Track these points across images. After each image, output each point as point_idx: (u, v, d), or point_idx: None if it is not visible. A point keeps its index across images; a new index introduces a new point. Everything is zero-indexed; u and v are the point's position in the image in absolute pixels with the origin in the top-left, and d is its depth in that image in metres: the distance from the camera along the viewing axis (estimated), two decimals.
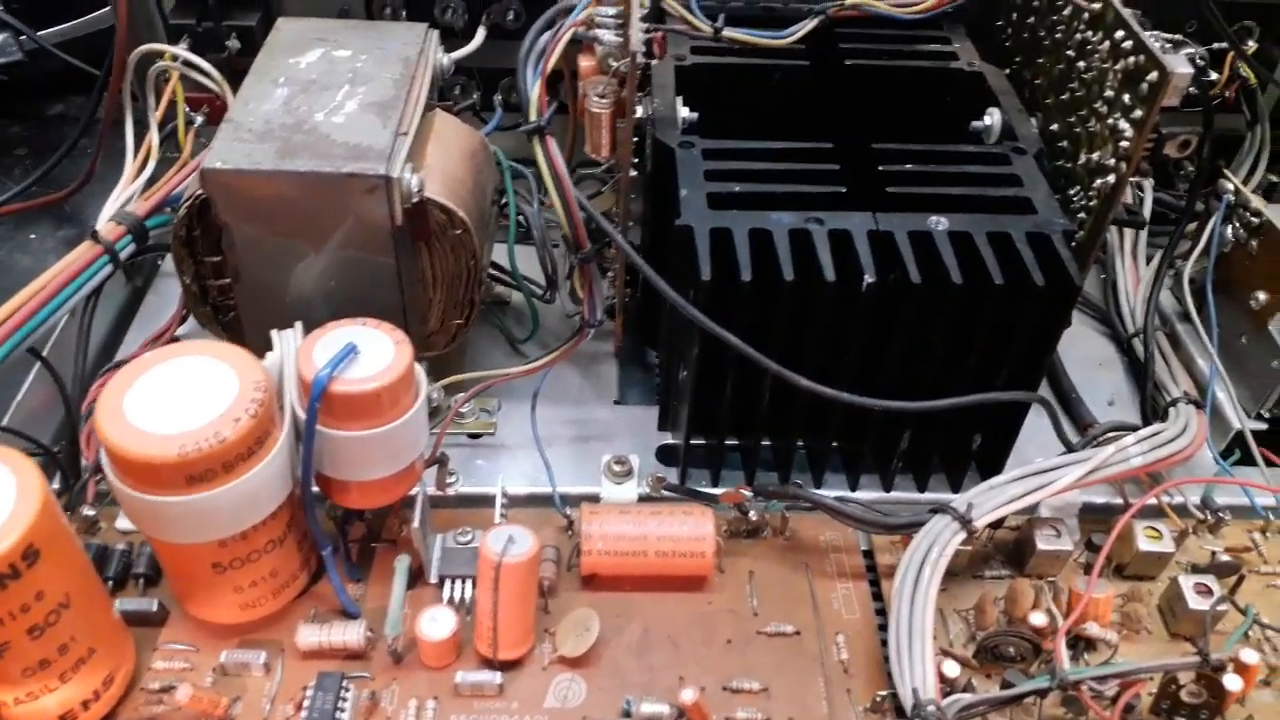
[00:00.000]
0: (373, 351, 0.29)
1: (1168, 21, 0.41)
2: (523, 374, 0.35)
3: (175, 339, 0.40)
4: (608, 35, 0.30)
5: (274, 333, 0.31)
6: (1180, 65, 0.30)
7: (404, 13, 0.42)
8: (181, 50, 0.38)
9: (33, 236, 0.49)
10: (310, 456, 0.29)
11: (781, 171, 0.34)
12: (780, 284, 0.30)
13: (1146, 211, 0.43)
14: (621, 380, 0.41)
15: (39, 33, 0.53)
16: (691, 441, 0.35)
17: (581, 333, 0.34)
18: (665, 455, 0.37)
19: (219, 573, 0.29)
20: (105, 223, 0.35)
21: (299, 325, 0.31)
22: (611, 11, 0.31)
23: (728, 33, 0.33)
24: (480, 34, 0.42)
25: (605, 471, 0.36)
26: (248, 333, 0.34)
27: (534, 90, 0.29)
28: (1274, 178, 0.46)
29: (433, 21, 0.42)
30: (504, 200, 0.39)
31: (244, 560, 0.29)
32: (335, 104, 0.32)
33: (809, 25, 0.34)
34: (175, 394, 0.28)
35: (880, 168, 0.34)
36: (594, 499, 0.35)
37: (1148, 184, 0.43)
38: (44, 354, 0.34)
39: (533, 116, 0.30)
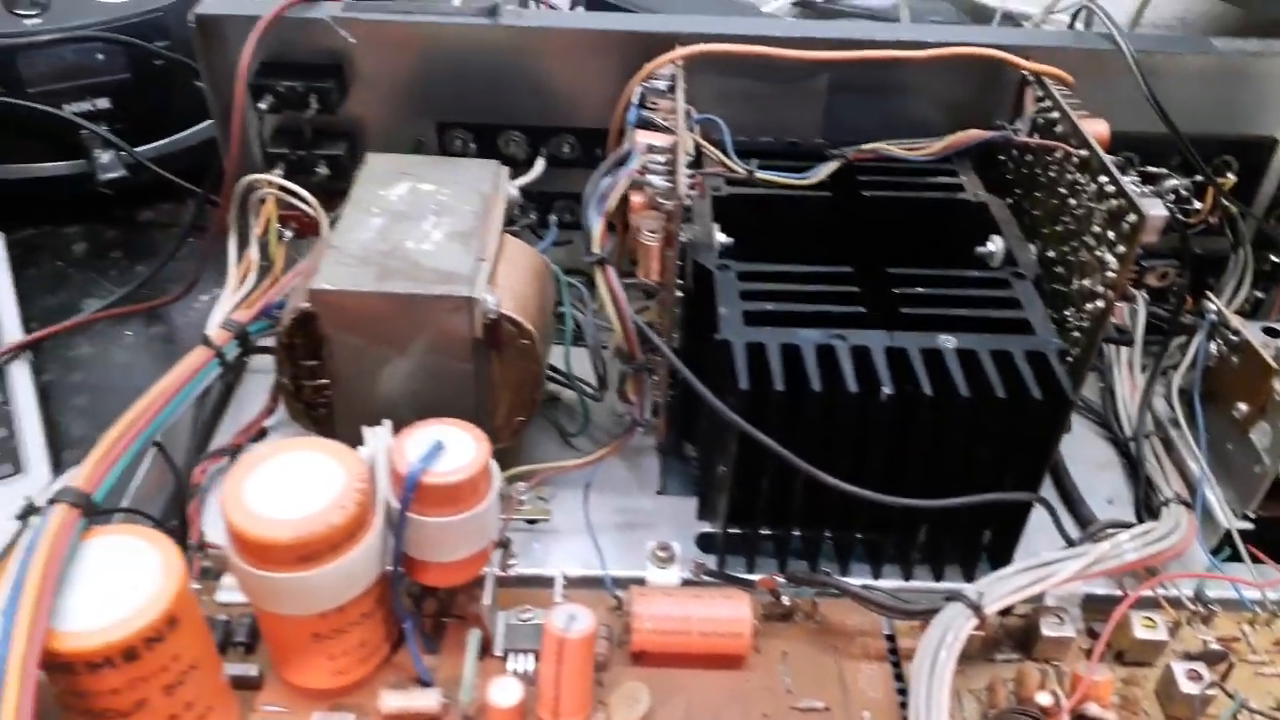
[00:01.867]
0: (456, 447, 0.34)
1: (1157, 156, 0.47)
2: (578, 467, 0.40)
3: (264, 429, 0.45)
4: (658, 180, 0.35)
5: (366, 429, 0.36)
6: (1155, 208, 0.35)
7: (473, 145, 0.47)
8: (279, 178, 0.44)
9: (128, 334, 0.54)
10: (401, 540, 0.33)
11: (808, 293, 0.38)
12: (809, 393, 0.34)
13: (1140, 325, 0.47)
14: (662, 472, 0.45)
15: (137, 148, 0.59)
16: (729, 531, 0.39)
17: (631, 430, 0.39)
18: (704, 542, 0.41)
19: (316, 642, 0.33)
20: (215, 329, 0.40)
21: (388, 423, 0.36)
22: (661, 159, 0.37)
23: (759, 174, 0.38)
24: (540, 164, 0.47)
25: (650, 557, 0.40)
26: (340, 428, 0.39)
27: (596, 227, 0.35)
28: (1260, 294, 0.51)
29: (497, 151, 0.48)
30: (560, 309, 0.44)
31: (339, 631, 0.34)
32: (424, 233, 0.38)
33: (831, 167, 0.39)
34: (288, 483, 0.32)
35: (895, 290, 0.39)
36: (640, 582, 0.39)
37: (1141, 300, 0.47)
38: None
39: (595, 249, 0.35)
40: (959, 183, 0.45)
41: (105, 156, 0.57)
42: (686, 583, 0.39)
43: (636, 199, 0.37)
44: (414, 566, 0.35)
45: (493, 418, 0.40)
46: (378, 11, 0.44)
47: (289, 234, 0.47)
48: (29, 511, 0.30)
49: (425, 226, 0.38)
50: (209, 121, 0.62)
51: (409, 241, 0.37)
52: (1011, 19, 0.81)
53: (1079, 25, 0.50)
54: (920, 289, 0.39)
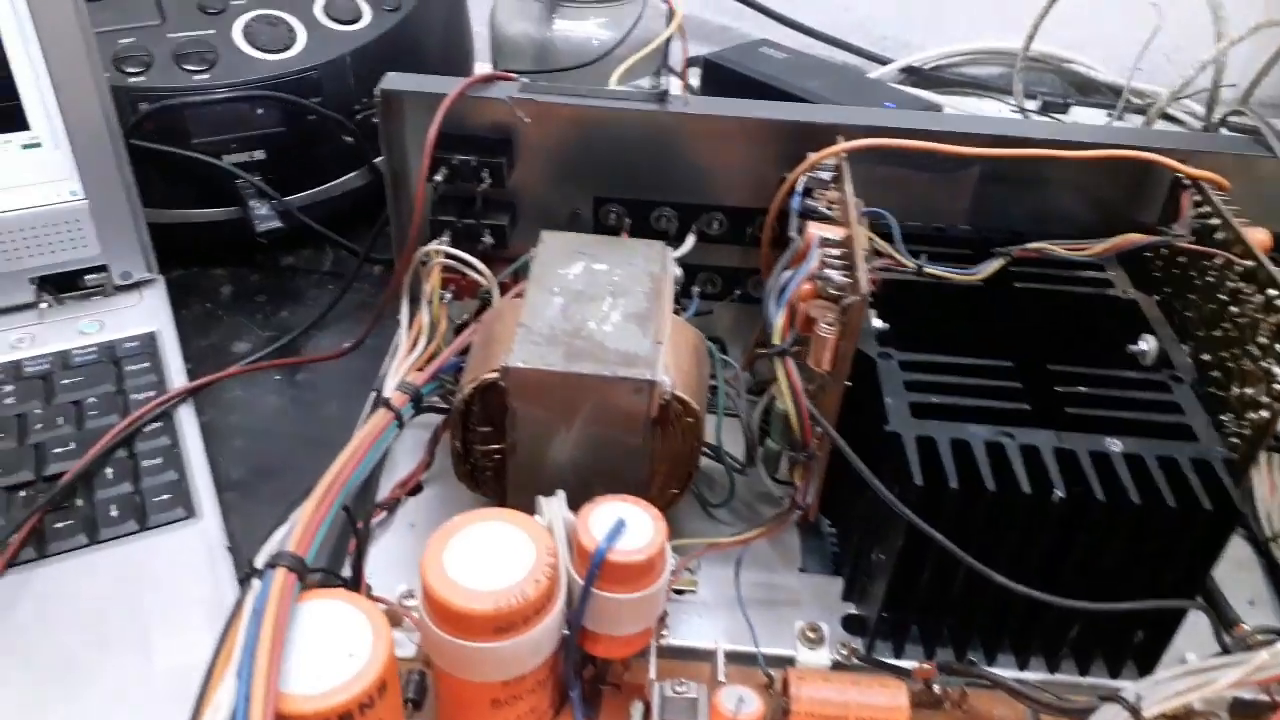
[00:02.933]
0: (635, 525, 0.35)
1: None
2: (736, 544, 0.41)
3: (420, 485, 0.47)
4: (836, 275, 0.37)
5: (541, 500, 0.38)
6: None
7: (627, 219, 0.49)
8: (449, 247, 0.46)
9: (277, 377, 0.56)
10: (583, 615, 0.34)
11: (971, 386, 0.39)
12: (982, 492, 0.35)
13: None
14: (803, 549, 0.46)
15: (286, 197, 0.62)
16: (881, 616, 0.40)
17: (790, 513, 0.40)
18: (850, 624, 0.42)
19: (495, 708, 0.35)
20: (392, 391, 0.42)
21: (562, 495, 0.38)
22: (835, 253, 0.38)
23: (929, 269, 0.39)
24: (690, 240, 0.49)
25: (800, 637, 0.41)
26: (511, 492, 0.41)
27: (778, 320, 0.36)
28: None
29: (649, 225, 0.50)
30: (713, 383, 0.45)
31: (515, 697, 0.35)
32: (603, 314, 0.39)
33: (996, 265, 0.40)
34: (483, 554, 0.34)
35: (1057, 388, 0.40)
36: (789, 661, 0.40)
37: None
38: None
39: (775, 341, 0.36)
40: (1108, 278, 0.46)
41: (262, 208, 0.59)
42: (836, 665, 0.40)
43: (806, 287, 0.39)
44: (587, 638, 0.36)
45: (649, 489, 0.41)
46: (554, 94, 0.46)
47: (449, 296, 0.49)
48: (250, 574, 0.32)
49: (604, 307, 0.40)
50: (353, 173, 0.66)
51: (590, 322, 0.39)
52: (1136, 100, 0.82)
53: (1195, 106, 0.51)
54: (1082, 388, 0.40)
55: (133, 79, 0.58)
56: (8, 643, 0.39)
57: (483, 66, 0.75)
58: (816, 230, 0.39)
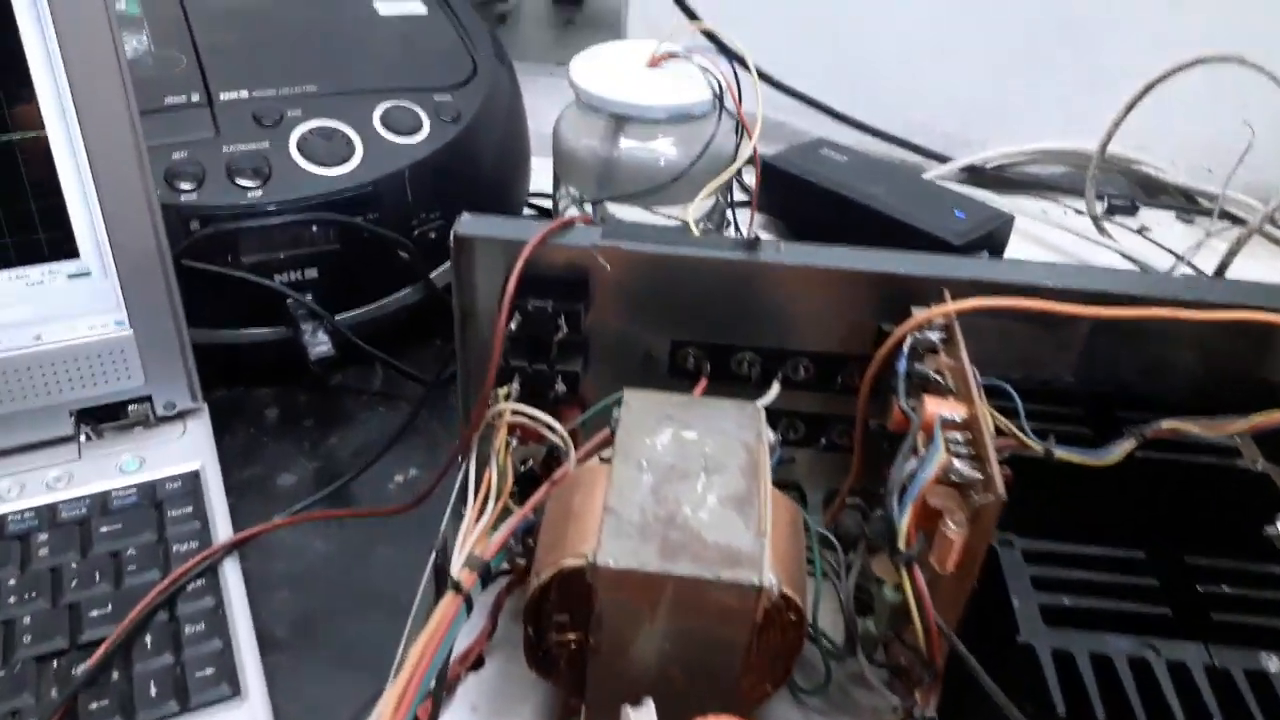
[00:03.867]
0: None
1: None
2: None
3: (481, 658, 0.43)
4: (965, 469, 0.33)
5: (629, 709, 0.34)
6: None
7: (706, 364, 0.46)
8: (518, 404, 0.43)
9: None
10: None
11: (1104, 584, 0.36)
12: None
13: None
14: None
15: (337, 316, 0.59)
16: None
17: None
18: None
19: None
20: (460, 570, 0.39)
21: (650, 703, 0.34)
22: (960, 437, 0.35)
23: (1060, 454, 0.36)
24: (776, 388, 0.46)
25: None
26: (591, 692, 0.37)
27: (903, 522, 0.32)
28: None
29: (729, 369, 0.47)
30: (810, 557, 0.41)
31: None
32: (698, 496, 0.36)
33: (1127, 447, 0.37)
34: None
35: (1199, 588, 0.36)
36: None
37: None
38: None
39: (901, 546, 0.33)
40: (1234, 446, 0.42)
41: (314, 331, 0.56)
42: None
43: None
44: None
45: (740, 687, 0.38)
46: (640, 241, 0.43)
47: (514, 442, 0.46)
48: None
49: (698, 487, 0.36)
50: (407, 289, 0.63)
51: (685, 507, 0.35)
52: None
53: None
54: (1225, 587, 0.36)
55: (184, 196, 0.56)
56: None
57: (539, 166, 0.73)
58: (936, 409, 0.35)
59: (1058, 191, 0.89)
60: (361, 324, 0.61)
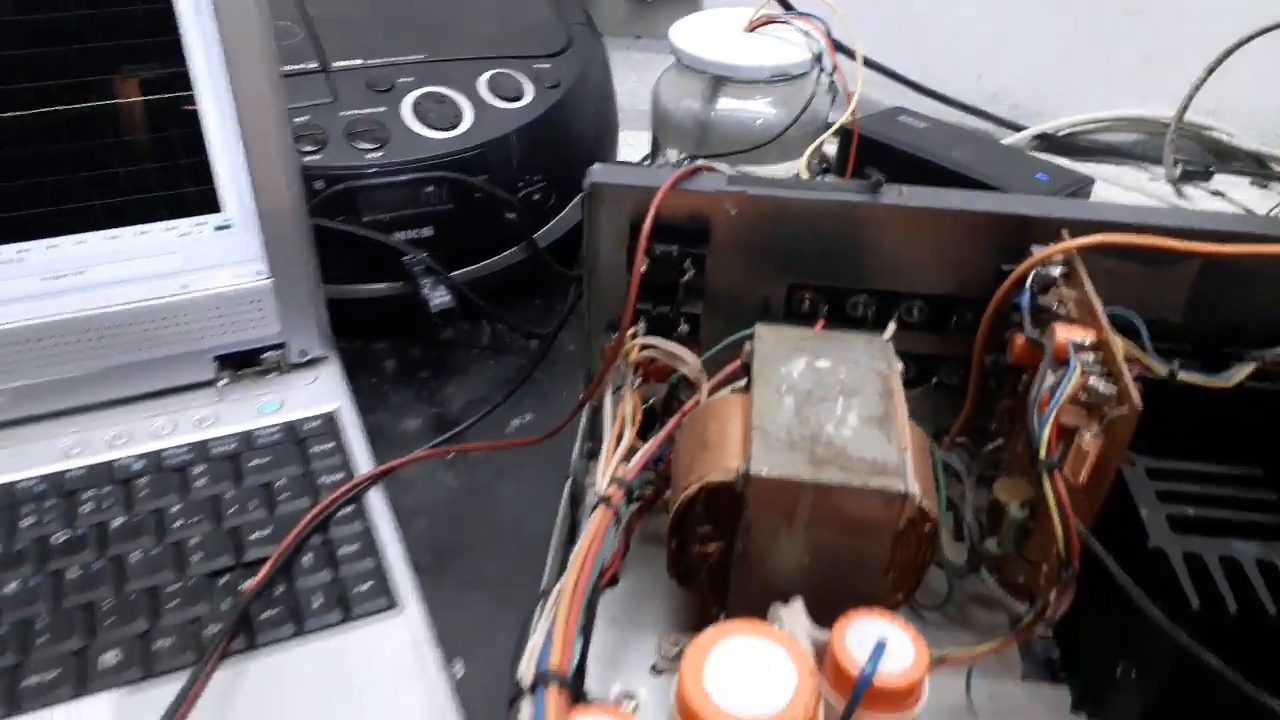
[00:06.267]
0: (895, 646, 0.34)
1: None
2: (993, 651, 0.39)
3: (616, 577, 0.46)
4: (1101, 386, 0.35)
5: (780, 609, 0.36)
6: None
7: (823, 306, 0.48)
8: (652, 339, 0.45)
9: (449, 456, 0.56)
10: None
11: (1225, 497, 0.38)
12: (1261, 617, 0.33)
13: None
14: (1021, 656, 0.44)
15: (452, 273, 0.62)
16: None
17: (1038, 623, 0.38)
18: None
19: None
20: (608, 487, 0.41)
21: (800, 602, 0.37)
22: (1092, 358, 0.37)
23: (1182, 376, 0.38)
24: (891, 327, 0.48)
25: None
26: (733, 597, 0.40)
27: (1046, 433, 0.35)
28: None
29: (844, 313, 0.49)
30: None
31: None
32: (838, 416, 0.38)
33: (1247, 369, 0.39)
34: (741, 672, 0.32)
35: None
36: None
37: None
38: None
39: (1042, 455, 0.35)
40: None
41: (433, 286, 0.59)
42: None
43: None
44: None
45: (875, 595, 0.40)
46: (766, 187, 0.45)
47: (638, 381, 0.48)
48: (517, 694, 0.31)
49: (838, 409, 0.39)
50: (513, 249, 0.66)
51: (828, 426, 0.38)
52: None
53: None
54: None
55: (308, 157, 0.59)
56: None
57: (629, 138, 0.76)
58: (1067, 335, 0.37)
59: (1129, 158, 0.90)
60: (470, 282, 0.64)
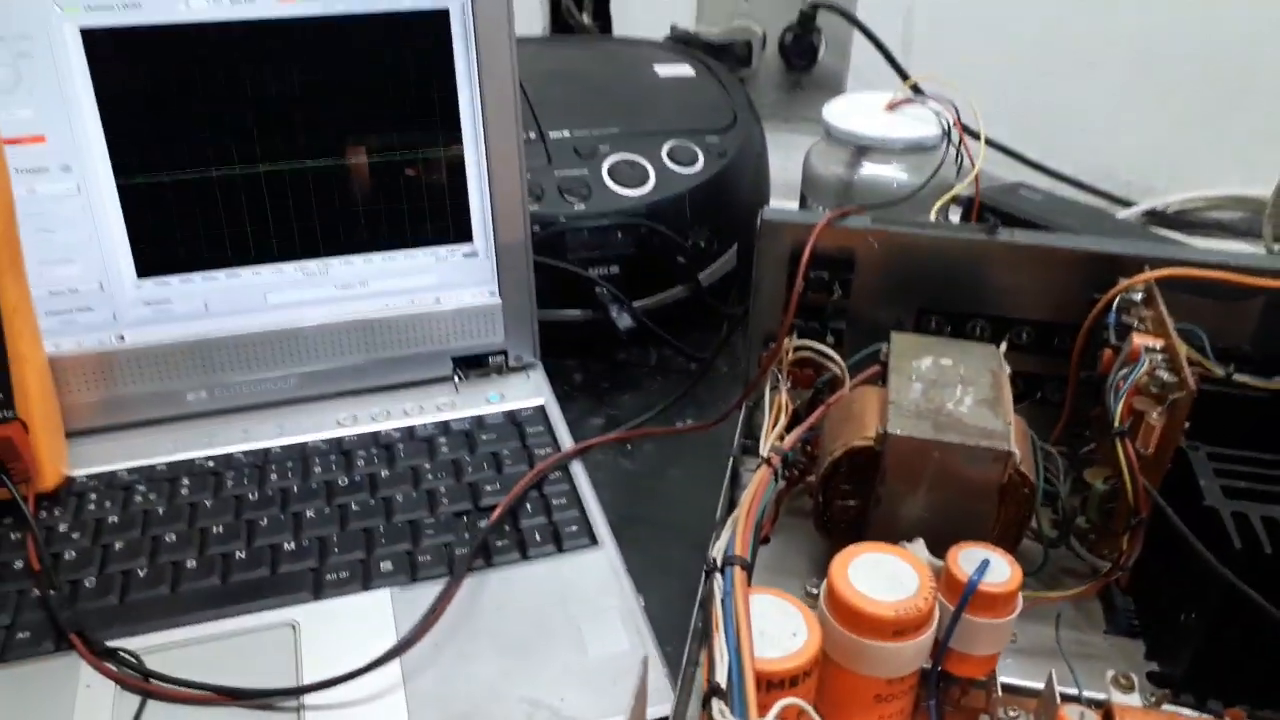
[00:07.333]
0: (995, 565, 0.44)
1: None
2: (1073, 596, 0.49)
3: (768, 537, 0.57)
4: (1164, 375, 0.45)
5: (905, 543, 0.47)
6: None
7: (947, 328, 0.59)
8: (807, 341, 0.57)
9: (628, 446, 0.69)
10: (950, 635, 0.43)
11: (1273, 477, 0.47)
12: None
13: None
14: (1105, 610, 0.53)
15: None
16: (1190, 671, 0.47)
17: (1114, 572, 0.48)
18: (1154, 679, 0.49)
19: (876, 702, 0.44)
20: (769, 450, 0.53)
21: (921, 540, 0.47)
22: (1160, 358, 0.47)
23: (1238, 377, 0.48)
24: (1003, 347, 0.58)
25: (1112, 683, 0.48)
26: (868, 540, 0.51)
27: (1119, 407, 0.45)
28: None
29: (964, 334, 0.60)
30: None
31: (892, 696, 0.44)
32: (957, 398, 0.49)
33: None
34: (877, 575, 0.43)
35: None
36: (1101, 704, 0.47)
37: None
38: None
39: (1116, 424, 0.45)
40: None
41: (622, 314, 0.73)
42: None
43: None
44: (949, 656, 0.45)
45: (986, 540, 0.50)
46: (901, 225, 0.57)
47: (788, 384, 0.60)
48: (712, 570, 0.43)
49: (957, 393, 0.50)
50: (679, 288, 0.79)
51: (949, 404, 0.49)
52: None
53: None
54: None
55: (530, 206, 0.74)
56: (478, 628, 0.52)
57: (775, 204, 0.89)
58: (1141, 341, 0.48)
59: (1233, 235, 0.98)
60: (644, 312, 0.77)
